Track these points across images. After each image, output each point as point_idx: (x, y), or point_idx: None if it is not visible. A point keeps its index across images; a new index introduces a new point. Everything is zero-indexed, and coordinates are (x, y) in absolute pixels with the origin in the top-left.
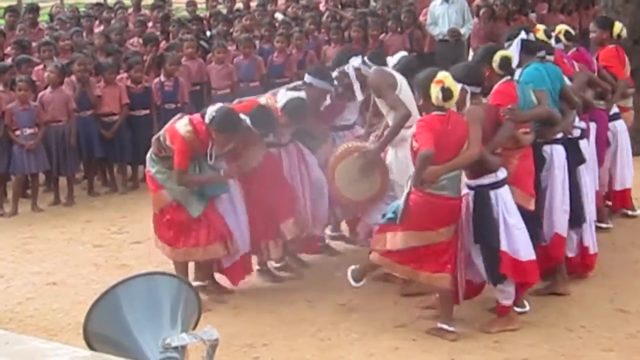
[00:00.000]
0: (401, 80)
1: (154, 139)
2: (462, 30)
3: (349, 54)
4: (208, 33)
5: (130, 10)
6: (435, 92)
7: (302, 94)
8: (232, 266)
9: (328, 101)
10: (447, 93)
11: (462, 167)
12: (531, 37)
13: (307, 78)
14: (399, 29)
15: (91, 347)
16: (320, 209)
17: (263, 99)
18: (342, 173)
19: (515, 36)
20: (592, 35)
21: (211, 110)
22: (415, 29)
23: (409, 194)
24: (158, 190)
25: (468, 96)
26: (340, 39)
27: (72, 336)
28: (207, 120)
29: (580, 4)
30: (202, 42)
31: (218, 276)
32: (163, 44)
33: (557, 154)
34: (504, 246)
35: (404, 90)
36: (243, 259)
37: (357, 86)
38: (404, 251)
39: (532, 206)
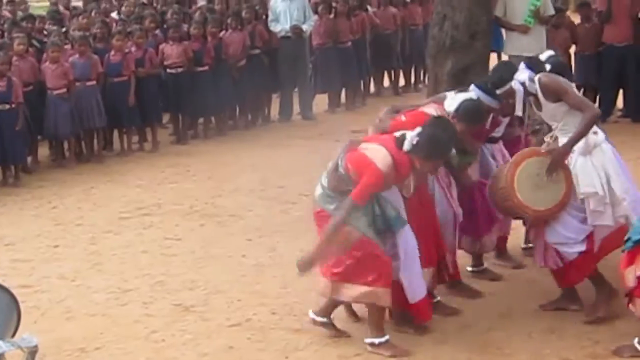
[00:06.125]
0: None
1: (330, 171)
2: (304, 27)
3: (512, 68)
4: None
5: None
6: None
7: (472, 94)
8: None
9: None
10: None
11: None
12: None
13: (475, 90)
14: (239, 26)
15: None
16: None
17: (431, 110)
18: (522, 180)
19: None
20: None
21: (411, 136)
22: (257, 25)
23: None
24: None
25: None
26: (179, 37)
27: None
28: (407, 147)
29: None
30: (34, 42)
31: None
32: None
33: None
34: None
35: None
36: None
37: (520, 104)
38: None
39: None
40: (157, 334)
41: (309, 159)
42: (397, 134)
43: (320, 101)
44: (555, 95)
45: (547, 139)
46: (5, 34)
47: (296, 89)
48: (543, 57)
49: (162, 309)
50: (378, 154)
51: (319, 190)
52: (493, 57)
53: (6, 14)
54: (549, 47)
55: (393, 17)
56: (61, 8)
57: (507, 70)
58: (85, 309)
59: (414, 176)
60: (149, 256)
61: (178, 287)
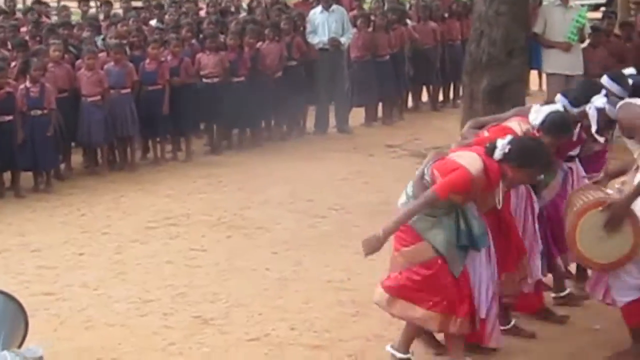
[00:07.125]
0: None
1: (417, 180)
2: (342, 40)
3: (592, 90)
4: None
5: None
6: None
7: (558, 106)
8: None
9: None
10: None
11: None
12: None
13: (562, 100)
14: (276, 37)
15: None
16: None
17: (515, 124)
18: (584, 231)
19: None
20: None
21: (503, 145)
22: (295, 37)
23: None
24: (416, 242)
25: None
26: (216, 47)
27: None
28: (498, 156)
29: (453, 14)
30: (71, 48)
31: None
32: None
33: None
34: None
35: None
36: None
37: (594, 128)
38: None
39: None
40: (174, 347)
41: (342, 173)
42: (486, 144)
43: (357, 114)
44: (628, 132)
45: (617, 185)
46: (43, 40)
47: (333, 102)
48: (627, 71)
49: (182, 321)
50: (469, 159)
51: (402, 199)
52: (534, 74)
53: (46, 20)
54: (586, 65)
55: (433, 32)
56: (101, 16)
57: (585, 92)
58: (105, 319)
59: (503, 187)
60: (173, 267)
61: (199, 299)
